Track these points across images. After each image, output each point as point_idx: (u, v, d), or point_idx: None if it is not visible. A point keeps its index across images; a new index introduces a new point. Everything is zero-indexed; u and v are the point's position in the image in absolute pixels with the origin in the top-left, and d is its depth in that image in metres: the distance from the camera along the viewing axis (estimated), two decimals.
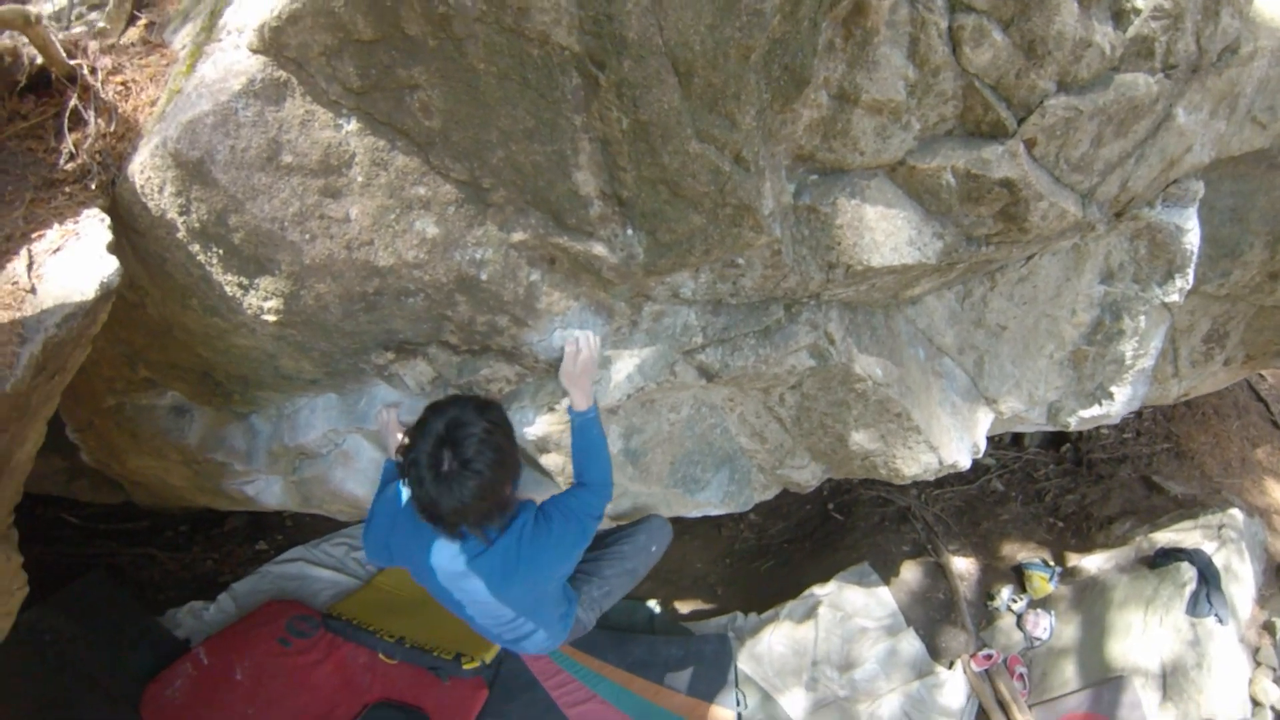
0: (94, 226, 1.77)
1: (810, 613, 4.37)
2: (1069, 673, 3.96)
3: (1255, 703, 3.81)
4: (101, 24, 2.47)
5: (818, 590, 4.50)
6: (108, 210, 1.90)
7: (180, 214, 1.88)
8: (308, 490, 3.12)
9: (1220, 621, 3.81)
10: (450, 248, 2.13)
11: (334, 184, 1.94)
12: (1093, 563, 4.39)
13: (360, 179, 1.97)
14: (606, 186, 2.05)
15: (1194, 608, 3.87)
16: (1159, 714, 3.64)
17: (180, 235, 1.92)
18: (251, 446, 2.97)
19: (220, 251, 1.96)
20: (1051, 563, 4.51)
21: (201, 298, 2.13)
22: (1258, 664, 3.97)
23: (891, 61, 1.95)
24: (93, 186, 1.89)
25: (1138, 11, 1.97)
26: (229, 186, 1.84)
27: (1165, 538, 4.27)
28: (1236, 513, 4.30)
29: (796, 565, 4.86)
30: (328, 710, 3.28)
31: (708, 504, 3.30)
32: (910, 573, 4.62)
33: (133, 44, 2.29)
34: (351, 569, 4.09)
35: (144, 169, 1.84)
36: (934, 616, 4.38)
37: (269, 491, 3.14)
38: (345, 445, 2.98)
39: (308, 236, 1.96)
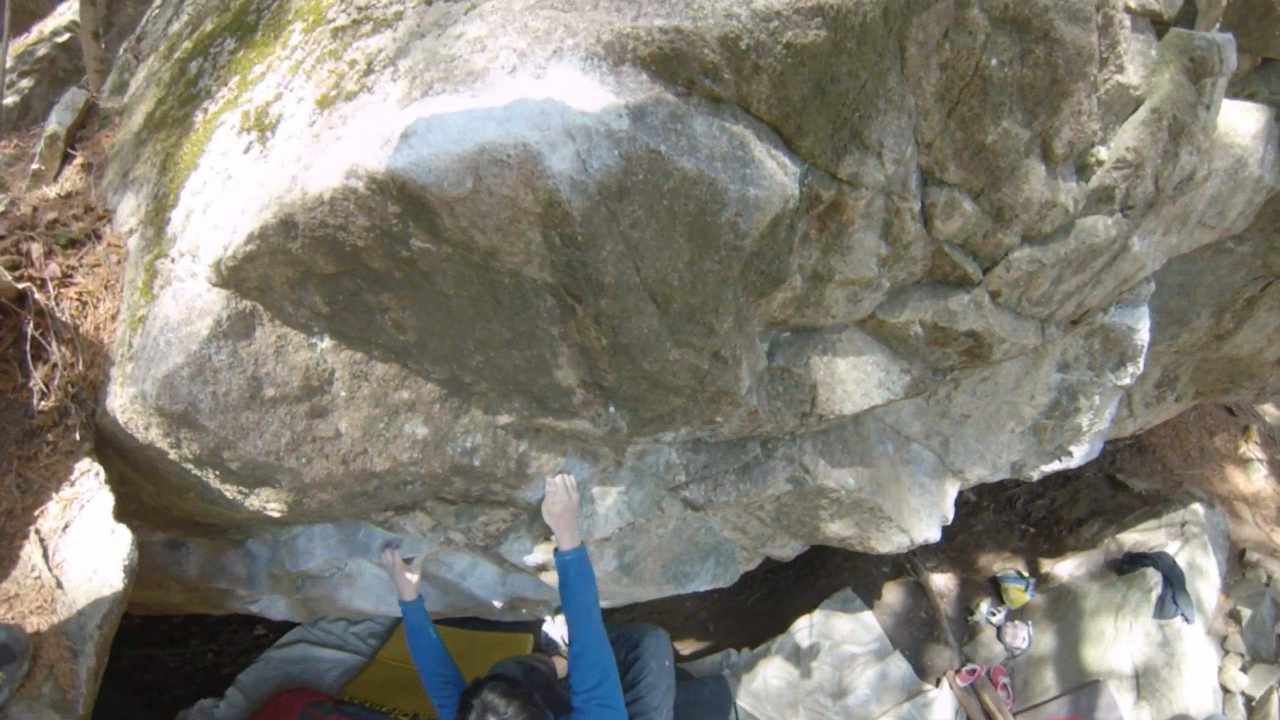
0: (93, 489, 1.74)
1: (799, 646, 4.54)
2: (1049, 679, 4.21)
3: (1225, 690, 4.10)
4: (36, 166, 2.44)
5: (805, 621, 4.65)
6: (94, 448, 1.88)
7: (171, 448, 1.85)
8: (314, 606, 3.14)
9: (1187, 621, 4.07)
10: (441, 444, 2.14)
11: (319, 404, 1.93)
12: (1065, 569, 4.62)
13: (344, 394, 1.96)
14: (588, 377, 2.06)
15: (1160, 610, 4.12)
16: (1134, 713, 3.91)
17: (172, 458, 1.90)
18: (252, 571, 2.96)
19: (217, 473, 1.95)
20: (1025, 573, 4.73)
21: (200, 493, 2.11)
22: (1226, 652, 4.24)
23: (865, 244, 1.96)
24: (74, 431, 1.85)
25: (1100, 163, 2.02)
26: (218, 430, 1.80)
27: (1132, 539, 4.51)
28: (1198, 508, 4.55)
29: (783, 594, 5.03)
30: None
31: (698, 588, 3.42)
32: (892, 594, 4.81)
33: (78, 235, 2.20)
34: (353, 645, 4.10)
35: (124, 412, 1.81)
36: (918, 635, 4.58)
37: (274, 608, 3.14)
38: (348, 568, 3.00)
39: (304, 460, 1.96)
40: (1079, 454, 3.23)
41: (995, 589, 4.76)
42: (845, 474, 2.80)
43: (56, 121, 2.53)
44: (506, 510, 2.60)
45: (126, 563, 1.71)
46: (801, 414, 2.35)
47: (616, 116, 1.40)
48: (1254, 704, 4.09)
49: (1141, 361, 2.69)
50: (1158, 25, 1.98)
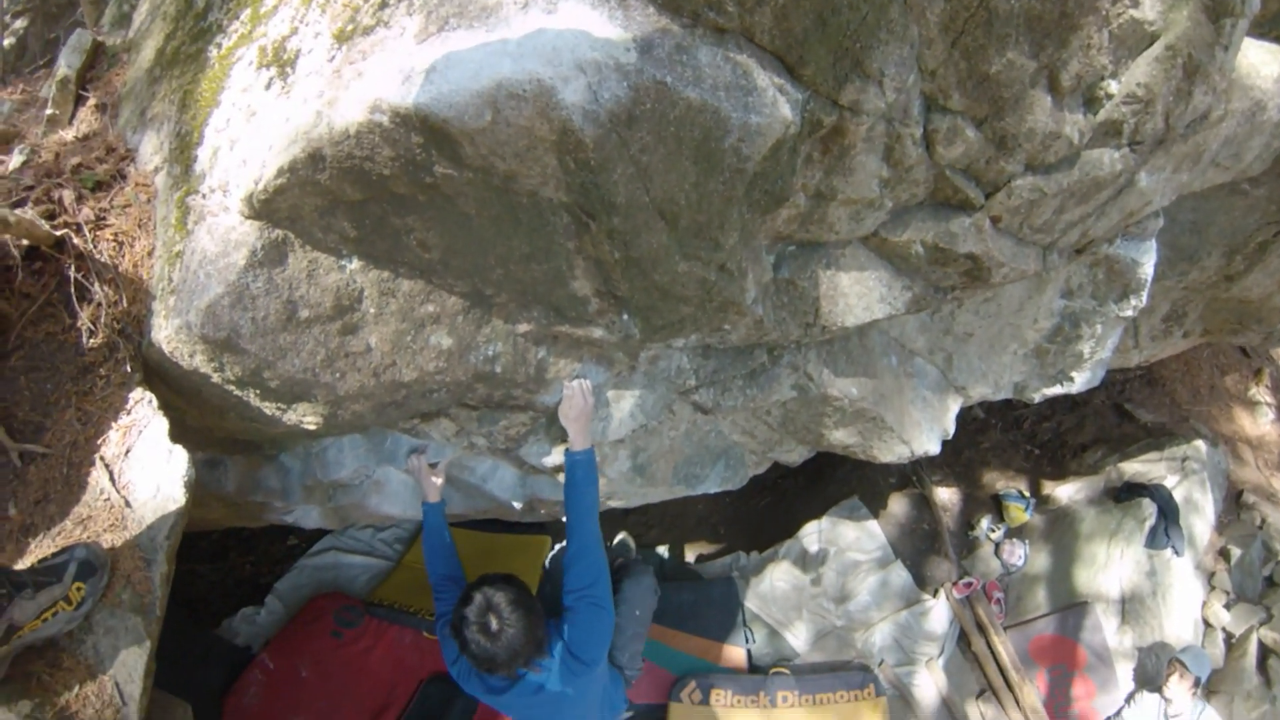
0: (148, 415, 1.90)
1: (806, 550, 4.77)
2: (1040, 598, 4.41)
3: (1207, 624, 4.27)
4: (50, 111, 2.50)
5: (813, 527, 4.87)
6: (143, 378, 2.02)
7: (215, 371, 2.01)
8: (345, 514, 3.41)
9: (1176, 553, 4.21)
10: (465, 353, 2.30)
11: (350, 321, 2.09)
12: (1065, 492, 4.76)
13: (373, 310, 2.12)
14: (602, 287, 2.19)
15: (1152, 541, 4.26)
16: (1117, 636, 4.10)
17: (215, 380, 2.06)
18: (286, 484, 3.21)
19: (257, 391, 2.13)
20: (1027, 494, 4.89)
21: (240, 412, 2.31)
22: (1212, 588, 4.40)
23: (867, 167, 2.04)
24: (124, 364, 1.97)
25: (1110, 96, 2.04)
26: (258, 352, 1.96)
27: (1133, 469, 4.63)
28: (1201, 444, 4.63)
29: (792, 500, 5.24)
30: (389, 690, 3.67)
31: (707, 490, 3.63)
32: (897, 505, 5.00)
33: (104, 177, 2.26)
34: (380, 550, 4.40)
35: (170, 342, 1.95)
36: (920, 547, 4.79)
37: (308, 517, 3.41)
38: (376, 475, 3.24)
39: (338, 375, 2.13)
40: (1080, 380, 3.32)
41: (997, 506, 4.92)
42: (849, 384, 2.93)
43: (65, 65, 2.58)
44: (526, 414, 2.77)
45: (186, 479, 1.89)
46: (805, 324, 2.47)
47: (624, 50, 1.49)
48: (1233, 640, 4.26)
49: (1145, 295, 2.75)
50: None
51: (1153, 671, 4.04)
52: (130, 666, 1.68)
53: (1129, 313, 2.83)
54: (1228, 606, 4.35)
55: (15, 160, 2.34)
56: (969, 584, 4.55)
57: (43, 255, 2.02)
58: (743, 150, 1.67)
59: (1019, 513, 4.76)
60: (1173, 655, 3.84)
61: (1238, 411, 5.03)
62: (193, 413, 2.40)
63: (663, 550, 5.05)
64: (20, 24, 3.79)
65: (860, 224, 2.26)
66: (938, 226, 2.28)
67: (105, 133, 2.43)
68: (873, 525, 4.88)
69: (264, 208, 1.80)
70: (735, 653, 4.31)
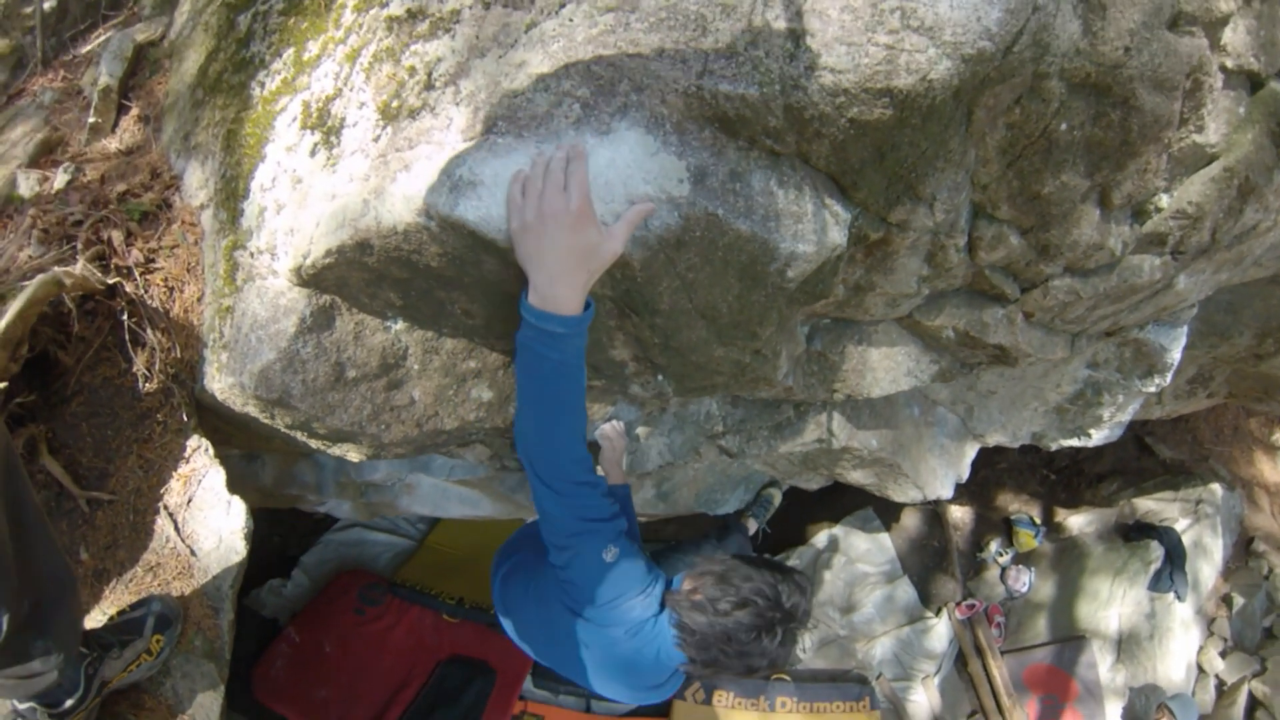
0: (206, 465, 1.99)
1: (818, 557, 4.89)
2: (1040, 627, 4.51)
3: (1201, 670, 4.35)
4: (93, 119, 2.52)
5: (825, 535, 4.98)
6: (198, 423, 2.10)
7: (266, 419, 2.12)
8: (376, 509, 3.55)
9: (1179, 598, 4.28)
10: (505, 404, 2.37)
11: (395, 377, 2.16)
12: (1076, 522, 4.82)
13: (417, 367, 2.19)
14: (640, 354, 2.25)
15: (1156, 583, 4.33)
16: (1110, 673, 4.21)
17: (264, 422, 2.18)
18: (320, 479, 3.35)
19: (305, 434, 2.23)
20: (1038, 520, 4.95)
21: (286, 440, 2.41)
22: (1210, 634, 4.47)
23: (908, 267, 2.06)
24: (180, 410, 2.03)
25: (1160, 210, 2.04)
26: (308, 410, 2.02)
27: (1146, 505, 4.67)
28: (1217, 488, 4.65)
29: (806, 505, 5.31)
30: (408, 668, 3.87)
31: (726, 511, 3.75)
32: (910, 519, 5.09)
33: (150, 207, 2.25)
34: (404, 529, 4.57)
35: (222, 393, 2.02)
36: (928, 564, 4.89)
37: (340, 510, 3.56)
38: (408, 479, 3.36)
39: (383, 426, 2.21)
40: (1099, 436, 3.36)
41: (1007, 530, 5.00)
42: (870, 436, 3.00)
43: (108, 73, 2.58)
44: None
45: (245, 530, 1.97)
46: (832, 391, 2.53)
47: (678, 182, 1.51)
48: (1225, 688, 4.34)
49: (1170, 375, 2.77)
50: (1254, 81, 1.93)
51: (1140, 712, 4.15)
52: (207, 708, 1.82)
53: (1152, 389, 2.86)
54: (1224, 654, 4.43)
55: (60, 179, 2.38)
56: (972, 605, 4.65)
57: (95, 297, 2.07)
58: (788, 273, 1.71)
59: (1029, 539, 4.83)
60: (1163, 700, 3.93)
61: (1259, 456, 5.03)
62: (239, 436, 2.50)
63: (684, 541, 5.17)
64: None
65: (895, 309, 2.29)
66: (971, 314, 2.31)
67: (148, 148, 2.45)
68: (884, 538, 4.98)
69: (312, 280, 1.85)
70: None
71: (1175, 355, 2.67)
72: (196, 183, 2.28)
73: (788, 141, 1.57)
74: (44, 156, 2.53)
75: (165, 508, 1.94)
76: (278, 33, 2.14)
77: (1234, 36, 1.72)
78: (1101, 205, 1.98)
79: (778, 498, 4.21)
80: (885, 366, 2.48)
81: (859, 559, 4.89)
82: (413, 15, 1.78)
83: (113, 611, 1.79)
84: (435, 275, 1.84)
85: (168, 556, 1.91)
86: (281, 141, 1.96)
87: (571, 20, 1.61)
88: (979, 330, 2.30)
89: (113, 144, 2.51)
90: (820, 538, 4.96)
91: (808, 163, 1.65)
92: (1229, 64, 1.77)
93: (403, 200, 1.59)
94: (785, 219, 1.63)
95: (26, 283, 1.93)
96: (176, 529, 1.92)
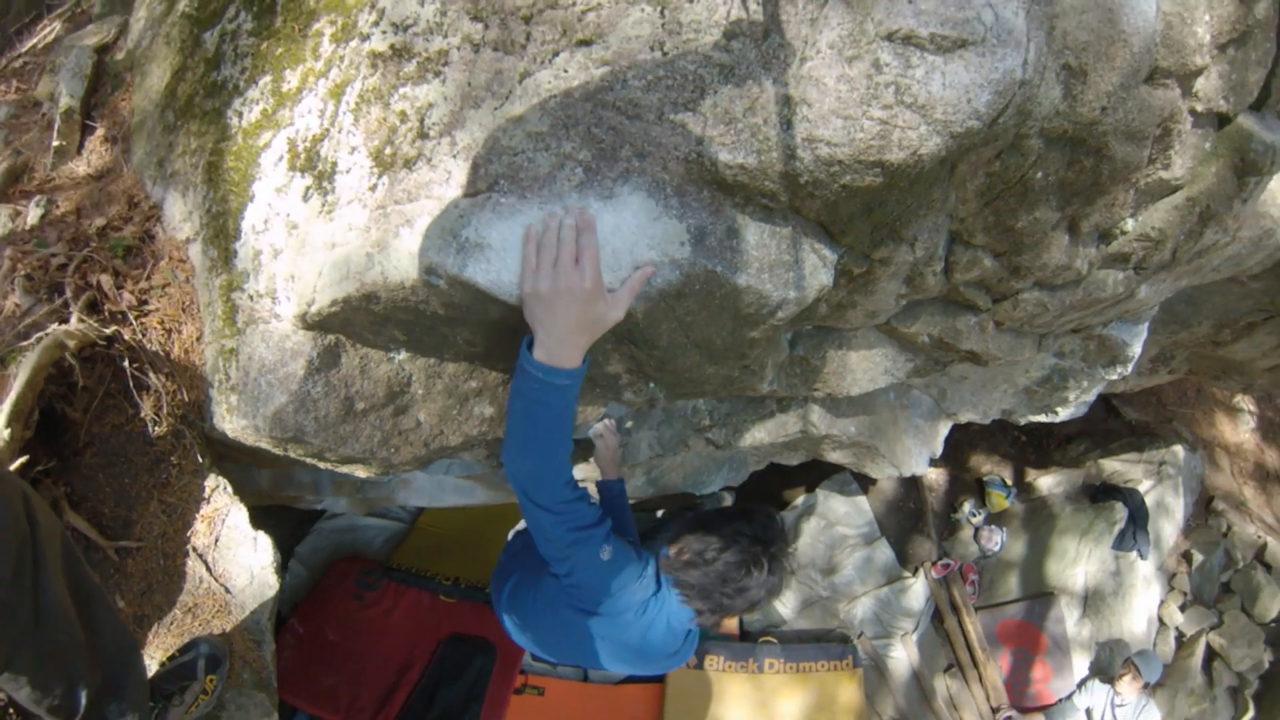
0: (227, 503, 2.06)
1: (799, 522, 5.08)
2: (1011, 584, 4.76)
3: (1161, 623, 4.63)
4: (57, 142, 2.46)
5: (805, 499, 5.16)
6: (213, 462, 2.14)
7: (280, 452, 2.19)
8: (371, 504, 3.65)
9: (1141, 557, 4.54)
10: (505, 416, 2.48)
11: (401, 403, 2.23)
12: (1046, 483, 5.04)
13: (421, 391, 2.26)
14: (633, 368, 2.35)
15: (1120, 543, 4.58)
16: (1076, 628, 4.47)
17: (277, 453, 2.23)
18: (316, 479, 3.41)
19: (316, 462, 2.32)
20: (1009, 482, 5.17)
21: (295, 461, 2.50)
22: (1171, 589, 4.75)
23: (888, 289, 2.16)
24: (194, 451, 2.05)
25: (1124, 233, 2.15)
26: (321, 443, 2.08)
27: (1112, 467, 4.89)
28: (1179, 449, 4.87)
29: (785, 470, 5.47)
30: (409, 649, 4.01)
31: (712, 490, 3.91)
32: (887, 482, 5.28)
33: (133, 241, 2.19)
34: (394, 513, 4.67)
35: (235, 432, 2.06)
36: (905, 525, 5.10)
37: (336, 505, 3.65)
38: (404, 475, 3.46)
39: (393, 450, 2.28)
40: (1065, 414, 3.56)
41: (980, 491, 5.21)
42: (849, 423, 3.16)
43: (68, 93, 2.50)
44: None
45: (275, 564, 2.05)
46: (813, 389, 2.65)
47: (679, 244, 1.59)
48: (1184, 640, 4.63)
49: (1131, 365, 2.92)
50: (1221, 118, 1.99)
51: (1105, 662, 4.43)
52: None
53: (1114, 376, 3.01)
54: (1183, 608, 4.71)
55: (33, 213, 2.32)
56: (947, 565, 4.88)
57: (95, 345, 2.07)
58: (778, 314, 1.80)
59: (1000, 499, 5.05)
60: (1129, 656, 4.20)
61: (1220, 417, 5.25)
62: (243, 457, 2.58)
63: (659, 514, 5.33)
64: None
65: (874, 320, 2.40)
66: (945, 322, 2.42)
67: (119, 171, 2.38)
68: (862, 501, 5.17)
69: (317, 325, 1.90)
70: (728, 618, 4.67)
71: (1137, 349, 2.82)
72: (179, 214, 2.26)
73: (781, 200, 1.65)
74: (11, 186, 2.47)
75: (194, 549, 2.01)
76: (250, 56, 2.11)
77: (1206, 83, 1.79)
78: (1070, 232, 2.08)
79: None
80: (864, 367, 2.60)
81: (838, 522, 5.09)
82: (398, 53, 1.77)
83: (160, 656, 1.89)
84: (441, 318, 1.91)
85: (203, 597, 1.98)
86: (269, 181, 1.96)
87: (566, 71, 1.65)
88: (953, 337, 2.42)
89: (81, 167, 2.46)
90: (799, 502, 5.14)
91: (799, 214, 1.73)
92: (1199, 108, 1.84)
93: (408, 257, 1.64)
94: (778, 269, 1.72)
95: (24, 343, 1.96)
96: (208, 569, 1.99)
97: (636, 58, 1.60)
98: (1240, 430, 5.24)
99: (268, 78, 2.03)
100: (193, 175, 2.17)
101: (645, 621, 2.13)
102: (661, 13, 1.60)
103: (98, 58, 2.63)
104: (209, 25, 2.23)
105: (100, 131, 2.46)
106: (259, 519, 4.62)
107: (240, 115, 2.06)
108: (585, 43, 1.65)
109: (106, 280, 2.11)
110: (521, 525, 2.72)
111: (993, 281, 2.25)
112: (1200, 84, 1.82)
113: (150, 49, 2.46)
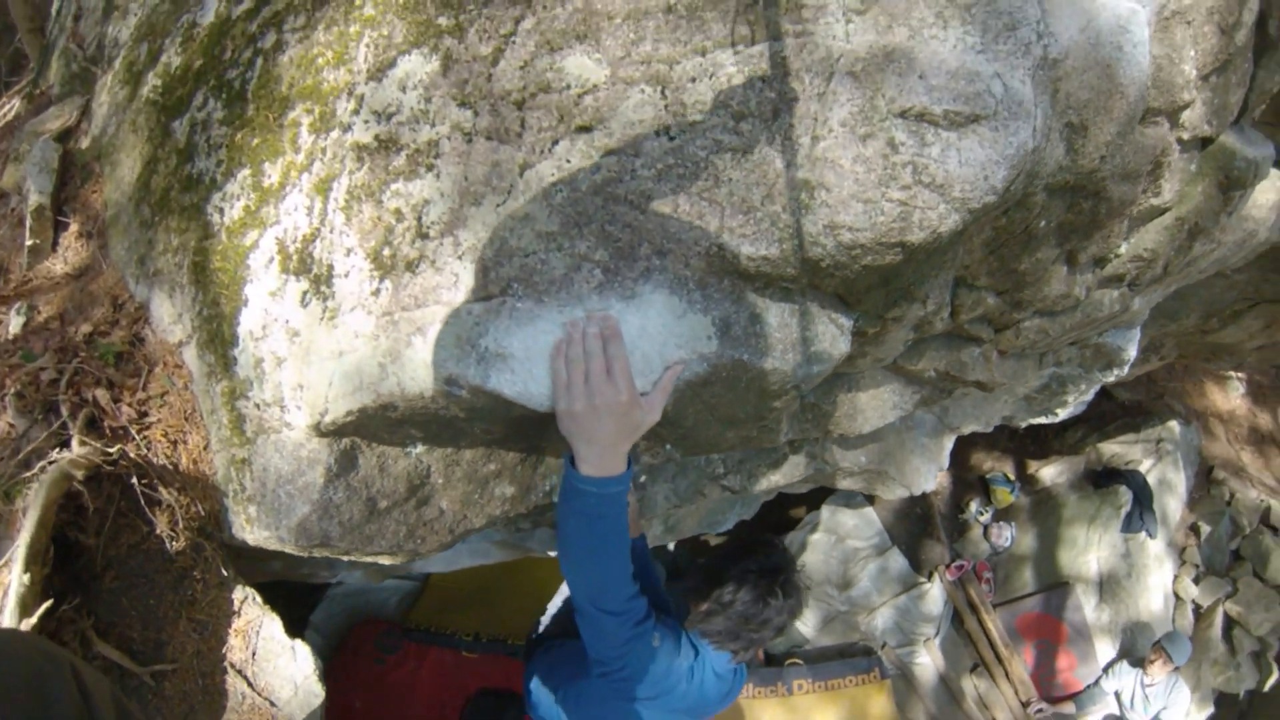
0: (259, 614, 2.02)
1: (808, 538, 5.10)
2: (1026, 577, 4.81)
3: (1177, 598, 4.70)
4: (30, 241, 2.36)
5: (812, 515, 5.18)
6: (238, 573, 2.11)
7: (304, 555, 2.16)
8: (387, 572, 3.61)
9: (1150, 536, 4.60)
10: (526, 494, 2.42)
11: (423, 495, 2.21)
12: (1048, 473, 5.10)
13: (441, 480, 2.24)
14: (652, 436, 2.35)
15: (1128, 525, 4.64)
16: (1095, 613, 4.53)
17: (302, 555, 2.20)
18: (333, 560, 3.39)
19: (343, 558, 2.28)
20: (1012, 476, 5.22)
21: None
22: (1183, 563, 4.82)
23: (897, 337, 2.19)
24: (216, 564, 2.01)
25: (1118, 256, 2.20)
26: (347, 545, 2.05)
27: (1111, 449, 4.96)
28: (1175, 425, 4.95)
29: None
30: (440, 708, 3.90)
31: (725, 528, 3.93)
32: None
33: (122, 346, 2.12)
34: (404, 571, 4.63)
35: (258, 542, 2.02)
36: (914, 531, 5.13)
37: (351, 577, 3.61)
38: None
39: (419, 541, 2.25)
40: (1064, 414, 3.61)
41: (984, 489, 5.26)
42: (859, 454, 3.19)
43: (37, 190, 2.40)
44: None
45: (317, 672, 2.01)
46: (825, 431, 2.66)
47: (706, 339, 1.57)
48: (1202, 611, 4.70)
49: (1127, 367, 2.98)
50: (1205, 140, 2.05)
51: (1128, 644, 4.49)
52: None
53: (1111, 379, 3.07)
54: (1196, 580, 4.78)
55: (15, 321, 2.25)
56: (960, 566, 4.92)
57: (100, 465, 1.98)
58: (802, 386, 1.81)
59: (1005, 495, 5.10)
60: (1158, 640, 4.25)
61: (1210, 387, 5.34)
62: (264, 555, 2.53)
63: (670, 544, 5.32)
64: None
65: (881, 362, 2.42)
66: (950, 356, 2.45)
67: (98, 268, 2.29)
68: (869, 512, 5.20)
69: (331, 431, 1.86)
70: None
71: (1132, 352, 2.88)
72: (169, 316, 2.18)
73: (801, 282, 1.65)
74: None
75: (232, 665, 1.96)
76: (225, 148, 2.01)
77: (1191, 114, 1.84)
78: (1069, 264, 2.12)
79: None
80: (873, 406, 2.62)
81: (848, 535, 5.11)
82: (384, 144, 1.71)
83: None
84: (461, 419, 1.89)
85: (248, 713, 1.94)
86: (262, 284, 1.89)
87: (569, 161, 1.60)
88: (958, 369, 2.45)
89: (58, 266, 2.36)
90: (808, 520, 5.16)
91: (817, 289, 1.73)
92: (1185, 136, 1.89)
93: (424, 368, 1.60)
94: (799, 345, 1.72)
95: (27, 473, 1.89)
96: (249, 684, 1.95)
97: (643, 145, 1.55)
98: (1231, 397, 5.34)
99: (246, 171, 1.95)
100: (178, 275, 2.09)
101: (696, 684, 2.18)
102: (662, 93, 1.56)
103: (63, 149, 2.53)
104: (177, 113, 2.13)
105: (74, 227, 2.36)
106: (269, 590, 4.61)
107: (221, 212, 1.98)
108: (585, 129, 1.59)
109: (103, 394, 2.03)
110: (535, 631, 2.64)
111: (995, 315, 2.28)
112: (1186, 115, 1.86)
113: (117, 137, 2.37)
